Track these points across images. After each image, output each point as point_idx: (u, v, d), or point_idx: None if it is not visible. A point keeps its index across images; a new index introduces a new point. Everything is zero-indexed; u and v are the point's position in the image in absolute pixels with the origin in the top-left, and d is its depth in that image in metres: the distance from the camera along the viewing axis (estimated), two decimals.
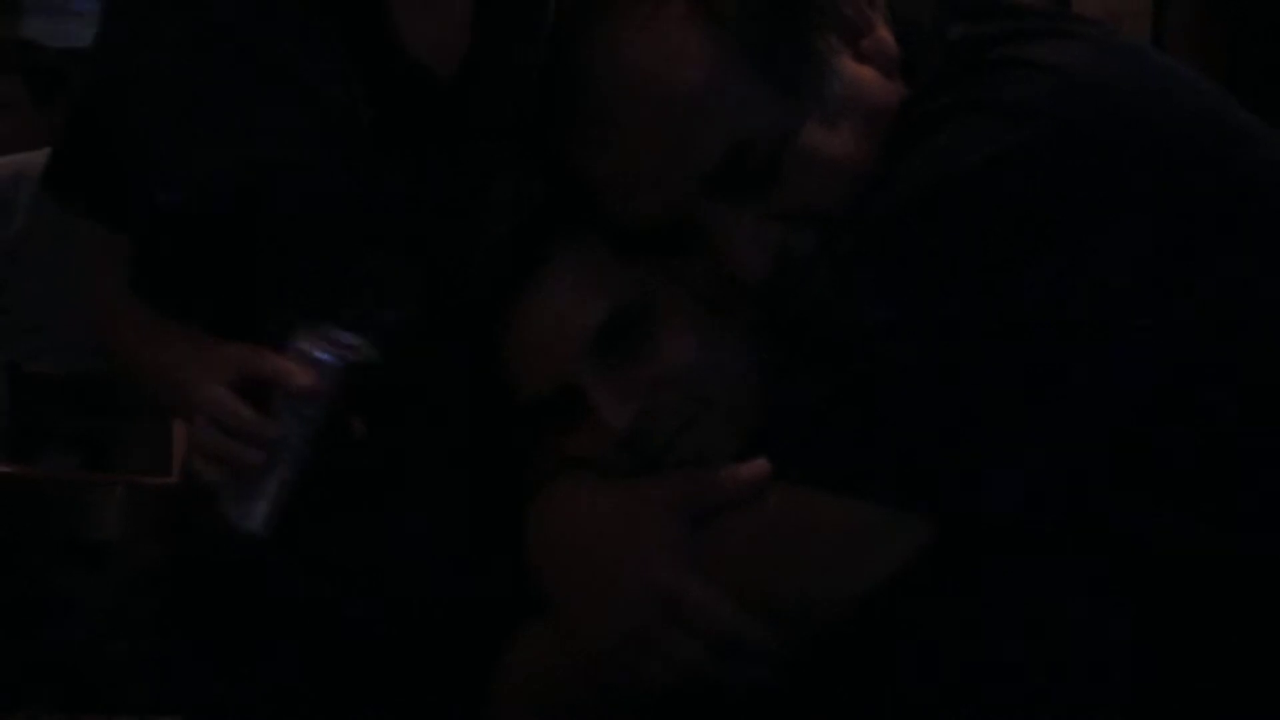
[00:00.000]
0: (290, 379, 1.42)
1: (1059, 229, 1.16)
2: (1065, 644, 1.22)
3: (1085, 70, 1.21)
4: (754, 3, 1.24)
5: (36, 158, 2.86)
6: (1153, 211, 1.18)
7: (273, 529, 1.44)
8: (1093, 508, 1.20)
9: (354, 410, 1.47)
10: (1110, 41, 1.31)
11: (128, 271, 1.70)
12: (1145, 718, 1.23)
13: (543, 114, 1.34)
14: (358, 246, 1.62)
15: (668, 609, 1.24)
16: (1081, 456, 1.19)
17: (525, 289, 1.32)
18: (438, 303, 1.60)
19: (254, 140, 1.62)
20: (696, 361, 1.27)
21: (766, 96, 1.23)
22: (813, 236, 1.25)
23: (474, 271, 1.52)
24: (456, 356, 1.56)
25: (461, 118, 1.65)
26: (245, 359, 1.46)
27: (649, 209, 1.26)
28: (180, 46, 1.64)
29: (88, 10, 4.11)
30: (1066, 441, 1.18)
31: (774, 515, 1.22)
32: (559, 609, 1.34)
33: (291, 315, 1.51)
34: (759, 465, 1.20)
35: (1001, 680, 1.22)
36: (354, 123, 1.62)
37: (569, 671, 1.35)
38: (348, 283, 1.58)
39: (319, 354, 1.42)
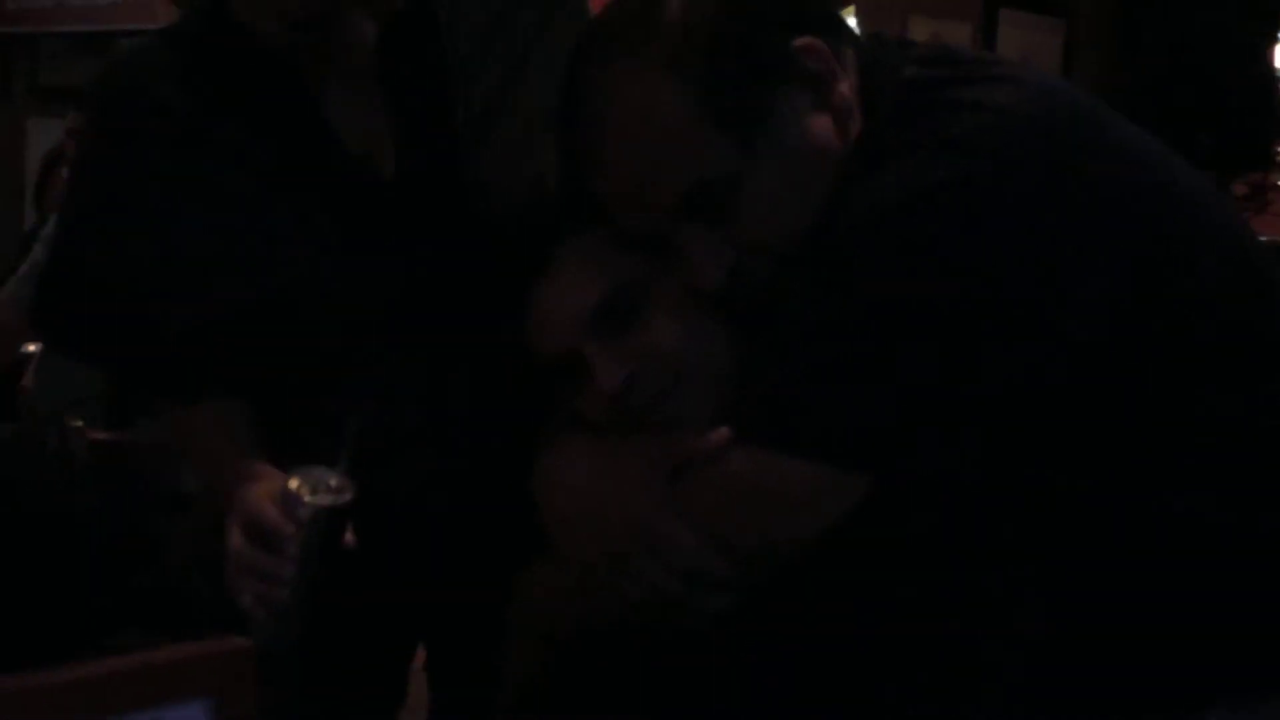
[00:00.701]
0: (279, 529, 1.41)
1: (992, 243, 1.16)
2: (973, 577, 1.25)
3: (1017, 109, 1.20)
4: (723, 62, 1.23)
5: None
6: (1071, 225, 1.18)
7: (288, 643, 1.44)
8: (1006, 470, 1.22)
9: (341, 531, 1.44)
10: (1036, 82, 1.28)
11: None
12: (1049, 639, 1.24)
13: (560, 130, 1.34)
14: (347, 349, 1.57)
15: (643, 538, 1.25)
16: (995, 428, 1.21)
17: (540, 276, 1.34)
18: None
19: (271, 259, 1.56)
20: (678, 338, 1.30)
21: (725, 147, 1.23)
22: (766, 259, 1.26)
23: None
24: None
25: (411, 215, 1.58)
26: (250, 512, 1.45)
27: (634, 223, 1.29)
28: (160, 203, 1.57)
29: None
30: (981, 415, 1.20)
31: (740, 471, 1.22)
32: (556, 540, 1.37)
33: (304, 412, 1.55)
34: (722, 432, 1.22)
35: (919, 606, 1.24)
36: (325, 237, 1.56)
37: (565, 595, 1.37)
38: (347, 389, 1.53)
39: (307, 499, 1.40)
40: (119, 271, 1.58)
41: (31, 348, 3.27)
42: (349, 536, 1.45)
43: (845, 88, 1.25)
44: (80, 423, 2.69)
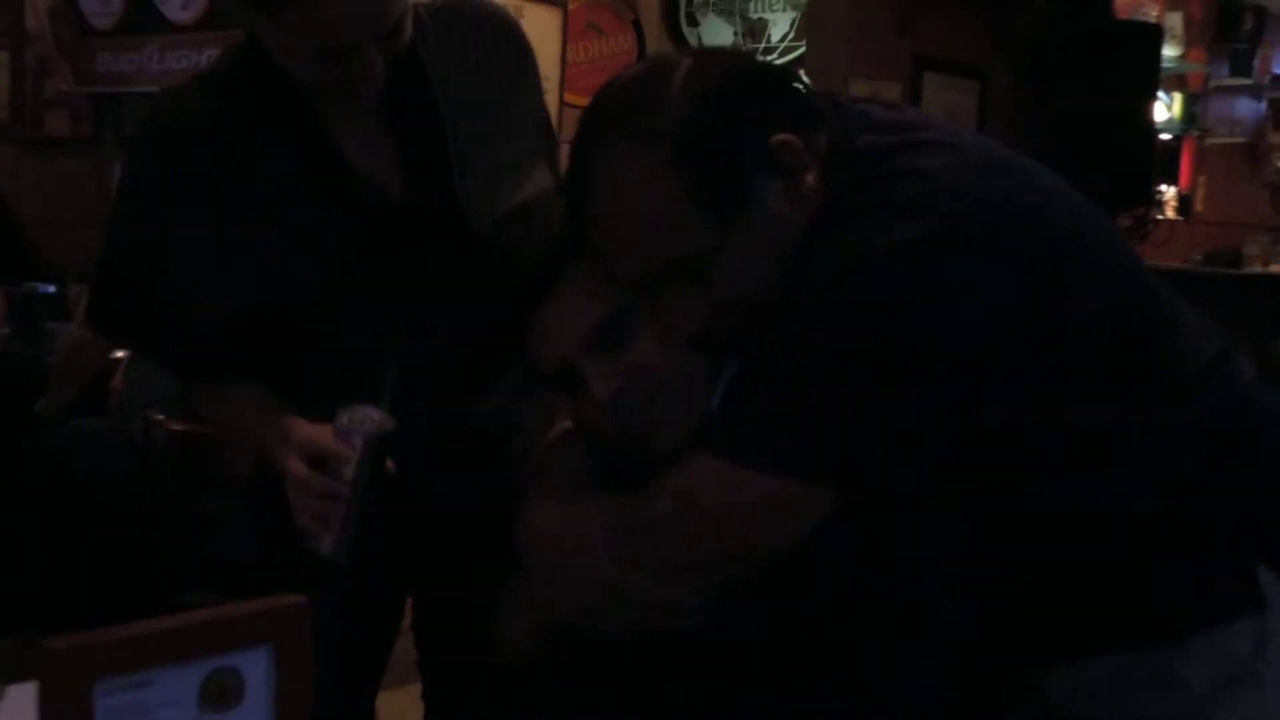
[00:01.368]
0: (339, 453, 1.46)
1: (936, 291, 1.16)
2: (922, 567, 1.22)
3: (957, 174, 1.20)
4: (710, 157, 1.21)
5: None
6: (1008, 271, 1.18)
7: (347, 554, 1.48)
8: (953, 477, 1.22)
9: (385, 457, 1.48)
10: (967, 144, 1.27)
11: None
12: (982, 608, 1.23)
13: (568, 192, 1.32)
14: (362, 326, 1.60)
15: (608, 593, 1.24)
16: (947, 445, 1.21)
17: (544, 297, 1.32)
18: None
19: (271, 271, 1.58)
20: (660, 358, 1.28)
21: (706, 227, 1.22)
22: (733, 314, 1.25)
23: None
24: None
25: (416, 228, 1.61)
26: (309, 442, 1.49)
27: (623, 275, 1.27)
28: (200, 216, 1.58)
29: None
30: (927, 431, 1.20)
31: (722, 489, 1.20)
32: (532, 581, 1.35)
33: (327, 389, 1.53)
34: (667, 499, 1.22)
35: (870, 596, 1.20)
36: (352, 242, 1.59)
37: (541, 615, 1.34)
38: (366, 359, 1.53)
39: (355, 429, 1.46)
40: (155, 275, 1.59)
41: (120, 354, 3.26)
42: (389, 464, 1.48)
43: (811, 178, 1.23)
44: (160, 417, 2.68)
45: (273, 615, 0.97)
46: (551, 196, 1.62)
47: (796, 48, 6.81)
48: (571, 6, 3.94)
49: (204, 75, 1.69)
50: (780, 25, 7.12)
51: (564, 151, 1.43)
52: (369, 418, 1.46)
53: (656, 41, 4.37)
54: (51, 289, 3.84)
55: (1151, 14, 8.21)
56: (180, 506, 2.67)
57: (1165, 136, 8.60)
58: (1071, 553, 1.25)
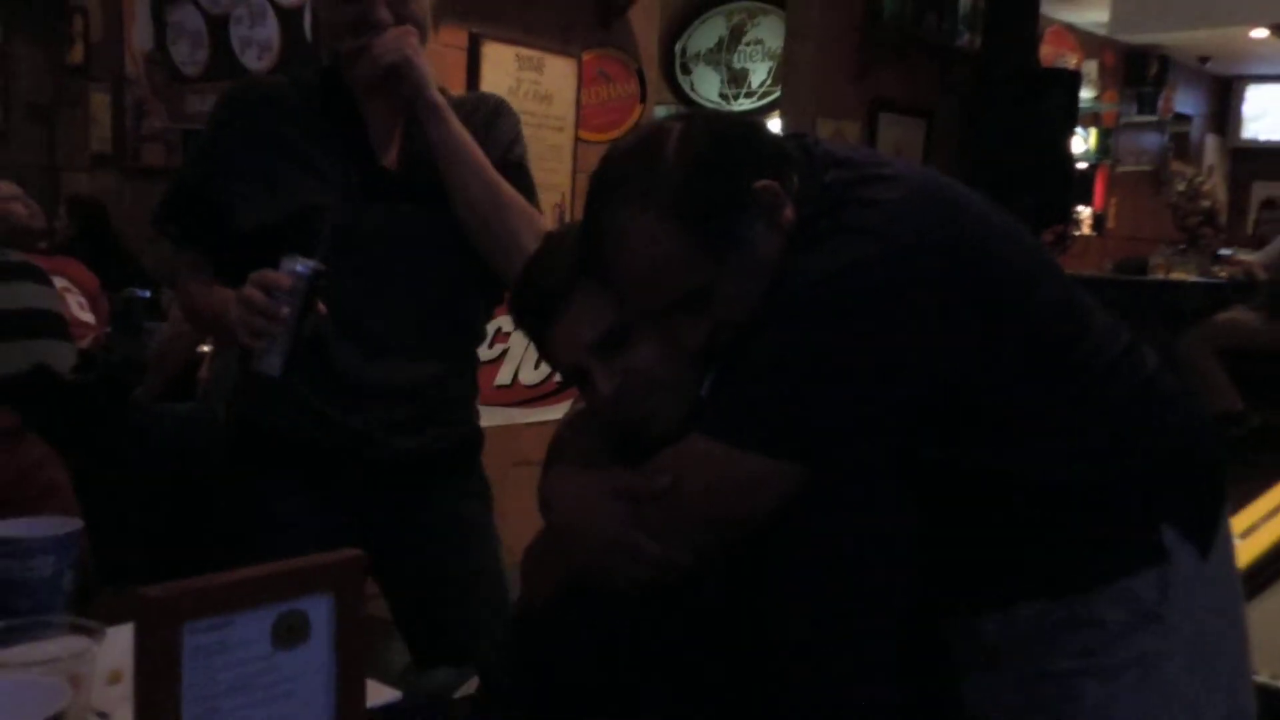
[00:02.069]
0: (279, 280, 1.51)
1: (891, 301, 1.17)
2: (878, 532, 1.21)
3: (906, 204, 1.20)
4: (704, 205, 1.21)
5: None
6: (948, 285, 1.18)
7: (282, 371, 1.53)
8: (902, 452, 1.22)
9: (317, 293, 1.53)
10: (915, 177, 1.27)
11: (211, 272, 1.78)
12: (922, 572, 1.23)
13: (582, 235, 1.29)
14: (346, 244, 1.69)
15: (617, 551, 1.24)
16: (897, 426, 1.22)
17: (557, 312, 1.31)
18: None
19: (297, 195, 1.71)
20: (654, 361, 1.28)
21: (705, 264, 1.21)
22: (728, 335, 1.24)
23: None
24: None
25: (403, 187, 1.75)
26: (259, 275, 1.53)
27: (640, 306, 1.26)
28: (255, 145, 1.76)
29: None
30: (885, 418, 1.21)
31: (711, 465, 1.20)
32: (552, 540, 1.35)
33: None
34: (665, 475, 1.22)
35: (834, 555, 1.19)
36: (348, 187, 1.73)
37: (558, 564, 1.33)
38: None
39: (294, 267, 1.52)
40: (215, 189, 1.76)
41: (205, 348, 3.26)
42: (322, 307, 1.55)
43: (789, 212, 1.23)
44: None
45: (334, 567, 0.97)
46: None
47: (773, 92, 6.83)
48: (585, 58, 3.92)
49: (286, 73, 1.97)
50: (759, 73, 7.13)
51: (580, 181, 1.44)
52: (305, 261, 1.53)
53: (655, 87, 4.37)
54: (148, 294, 3.85)
55: (1071, 62, 8.23)
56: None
57: (1082, 165, 8.63)
58: (1003, 515, 1.26)
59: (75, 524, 1.33)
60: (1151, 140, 10.08)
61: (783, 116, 5.30)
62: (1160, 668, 1.23)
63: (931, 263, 1.18)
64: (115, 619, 1.16)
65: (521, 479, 1.87)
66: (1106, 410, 1.27)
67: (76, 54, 5.51)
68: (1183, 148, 10.45)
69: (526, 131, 1.92)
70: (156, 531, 2.41)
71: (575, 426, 1.39)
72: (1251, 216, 10.01)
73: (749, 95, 7.20)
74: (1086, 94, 7.99)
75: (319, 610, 0.95)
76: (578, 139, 3.88)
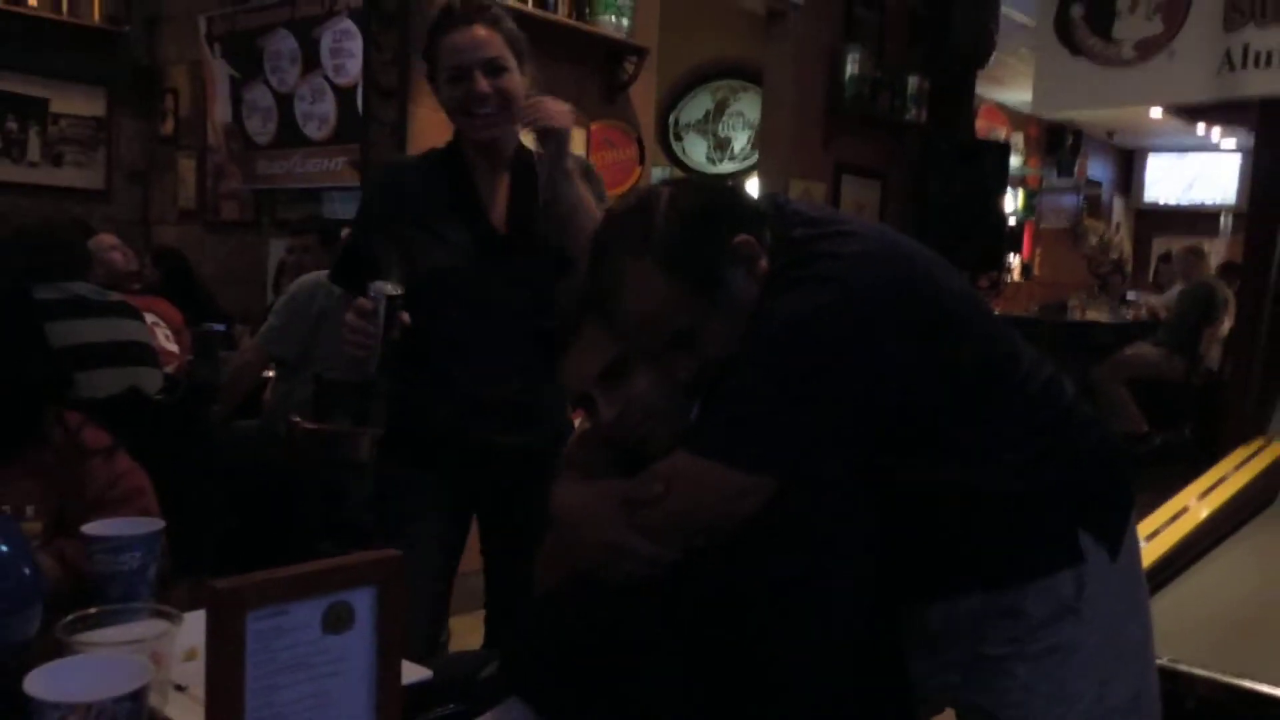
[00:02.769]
0: (365, 306, 1.66)
1: (850, 339, 1.16)
2: (841, 533, 1.19)
3: (863, 257, 1.19)
4: (691, 257, 1.20)
5: (323, 273, 2.90)
6: (899, 325, 1.18)
7: (377, 373, 1.71)
8: (862, 466, 1.21)
9: (397, 310, 1.67)
10: (871, 234, 1.25)
11: None
12: (883, 569, 1.21)
13: (587, 279, 1.28)
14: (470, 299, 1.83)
15: (615, 550, 1.22)
16: (857, 445, 1.20)
17: (567, 346, 1.30)
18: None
19: (427, 260, 1.80)
20: (649, 391, 1.26)
21: (692, 309, 1.20)
22: (713, 369, 1.23)
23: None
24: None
25: (514, 248, 1.84)
26: (356, 304, 1.69)
27: (639, 345, 1.25)
28: (394, 217, 1.84)
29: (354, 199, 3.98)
30: (847, 439, 1.20)
31: (694, 478, 1.18)
32: (560, 539, 1.33)
33: (449, 333, 1.82)
34: (658, 484, 1.19)
35: (804, 559, 1.18)
36: (467, 252, 1.82)
37: (566, 560, 1.31)
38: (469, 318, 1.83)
39: (378, 293, 1.66)
40: (368, 250, 1.83)
41: (268, 374, 3.27)
42: (405, 316, 1.69)
43: (764, 262, 1.23)
44: (299, 419, 2.67)
45: (377, 563, 0.96)
46: None
47: (752, 156, 6.84)
48: (593, 128, 3.94)
49: (421, 155, 1.98)
50: (740, 140, 7.15)
51: None
52: (385, 286, 1.67)
53: (652, 152, 4.38)
54: (223, 327, 3.85)
55: (1002, 134, 8.27)
56: (313, 483, 2.64)
57: (1012, 221, 8.64)
58: (945, 522, 1.25)
59: (158, 523, 1.32)
60: (1069, 201, 10.12)
61: (760, 177, 5.32)
62: (1077, 653, 1.22)
63: (885, 306, 1.17)
64: (191, 605, 1.15)
65: None
66: (1033, 431, 1.26)
67: (168, 126, 5.53)
68: (1095, 207, 10.49)
69: None
70: (225, 528, 2.40)
71: (581, 444, 1.38)
72: (1152, 266, 10.06)
73: (732, 159, 7.21)
74: (1015, 161, 8.02)
75: (363, 601, 0.94)
76: None
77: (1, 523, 1.16)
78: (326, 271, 2.63)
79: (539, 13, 3.50)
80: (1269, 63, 3.86)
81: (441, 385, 1.85)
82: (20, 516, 1.46)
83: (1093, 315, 7.15)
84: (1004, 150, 5.76)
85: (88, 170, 5.52)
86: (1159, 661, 1.40)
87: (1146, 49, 4.19)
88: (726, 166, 7.18)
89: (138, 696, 0.89)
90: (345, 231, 3.26)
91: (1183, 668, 1.68)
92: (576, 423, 1.50)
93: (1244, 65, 3.92)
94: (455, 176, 1.87)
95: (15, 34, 5.03)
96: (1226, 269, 6.76)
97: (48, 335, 2.41)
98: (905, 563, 1.26)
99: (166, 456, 2.25)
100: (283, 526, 2.48)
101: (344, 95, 4.09)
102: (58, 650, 1.02)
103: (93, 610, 1.09)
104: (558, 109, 1.72)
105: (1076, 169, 9.86)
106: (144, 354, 2.63)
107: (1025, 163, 9.17)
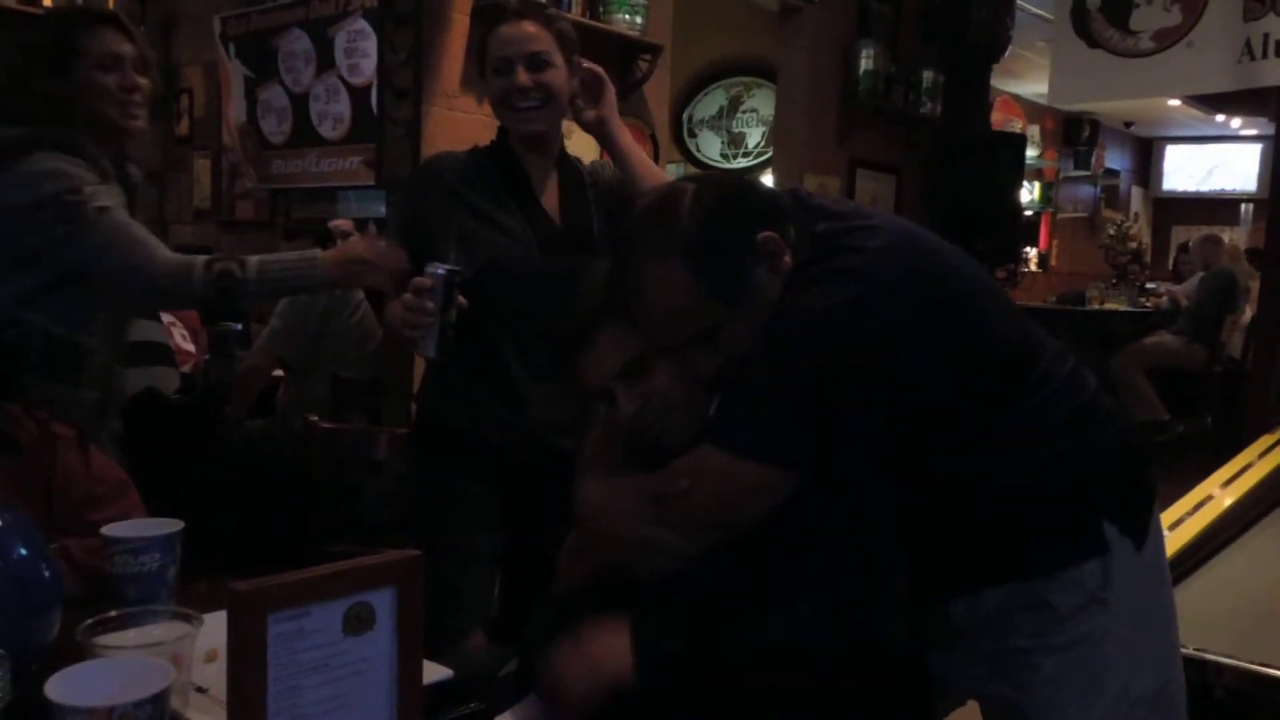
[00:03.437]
0: (423, 282, 1.62)
1: (873, 333, 1.16)
2: (862, 523, 1.20)
3: (887, 251, 1.19)
4: (714, 255, 1.19)
5: None
6: (922, 320, 1.18)
7: (437, 353, 1.64)
8: (886, 459, 1.22)
9: (454, 290, 1.63)
10: (892, 227, 1.25)
11: None
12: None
13: (610, 281, 1.28)
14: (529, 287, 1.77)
15: (641, 544, 1.24)
16: (879, 440, 1.22)
17: (590, 341, 1.29)
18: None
19: (488, 249, 1.78)
20: (669, 387, 1.26)
21: (716, 307, 1.20)
22: (733, 366, 1.22)
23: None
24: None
25: (570, 240, 1.82)
26: (414, 282, 1.64)
27: (661, 343, 1.24)
28: (449, 207, 1.81)
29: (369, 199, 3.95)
30: (870, 433, 1.21)
31: (717, 472, 1.19)
32: (584, 535, 1.33)
33: (507, 321, 1.79)
34: (683, 479, 1.20)
35: (821, 548, 1.18)
36: (527, 241, 1.81)
37: (590, 556, 1.32)
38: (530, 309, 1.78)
39: (435, 272, 1.62)
40: (419, 245, 1.77)
41: (279, 372, 3.28)
42: (461, 298, 1.65)
43: (787, 258, 1.21)
44: (315, 417, 2.67)
45: (396, 564, 0.96)
46: None
47: (766, 152, 6.84)
48: None
49: (469, 151, 1.93)
50: (754, 136, 7.14)
51: None
52: (443, 264, 1.63)
53: (666, 148, 4.37)
54: (239, 326, 3.86)
55: (1017, 126, 8.21)
56: (329, 481, 2.63)
57: (1029, 213, 8.59)
58: (970, 516, 1.25)
59: (177, 525, 1.32)
60: (1086, 192, 10.05)
61: (775, 173, 5.30)
62: (1103, 644, 1.22)
63: (908, 300, 1.17)
64: (210, 605, 1.15)
65: None
66: (1056, 424, 1.25)
67: (184, 127, 5.56)
68: (1112, 198, 10.42)
69: None
70: (242, 527, 2.40)
71: (599, 440, 1.37)
72: (1171, 256, 9.99)
73: (746, 155, 7.20)
74: (1031, 153, 7.98)
75: (383, 602, 0.93)
76: None
77: (19, 526, 1.15)
78: None
79: (553, 12, 3.50)
80: None
81: (494, 376, 1.80)
82: None
83: (1111, 305, 7.12)
84: (1019, 142, 5.72)
85: None
86: (1185, 651, 1.40)
87: (1164, 39, 4.15)
88: (741, 163, 7.17)
89: (159, 700, 0.88)
90: (360, 233, 3.26)
91: (1210, 657, 1.67)
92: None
93: (1264, 54, 3.89)
94: (507, 167, 1.85)
95: None
96: (1252, 255, 6.70)
97: None
98: (931, 556, 1.26)
99: (184, 456, 2.26)
100: (299, 525, 2.47)
101: (359, 95, 4.09)
102: (78, 654, 1.02)
103: (113, 613, 1.09)
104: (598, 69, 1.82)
105: (1094, 159, 9.80)
106: (161, 354, 2.64)
107: (1042, 154, 9.12)
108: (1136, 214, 10.65)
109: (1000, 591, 1.24)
